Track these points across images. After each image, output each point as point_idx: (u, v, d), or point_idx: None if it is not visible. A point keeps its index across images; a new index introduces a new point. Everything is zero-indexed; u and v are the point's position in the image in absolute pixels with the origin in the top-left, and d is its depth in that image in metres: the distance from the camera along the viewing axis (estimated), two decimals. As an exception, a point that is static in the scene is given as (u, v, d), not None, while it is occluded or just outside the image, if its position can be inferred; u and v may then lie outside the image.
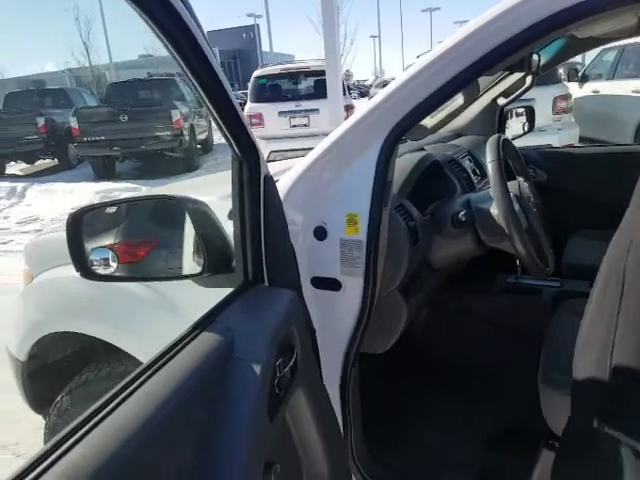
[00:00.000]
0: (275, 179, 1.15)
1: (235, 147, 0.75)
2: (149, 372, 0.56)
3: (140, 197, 1.07)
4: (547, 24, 0.78)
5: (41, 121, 9.24)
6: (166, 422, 0.52)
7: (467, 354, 1.63)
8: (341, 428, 1.07)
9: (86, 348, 1.46)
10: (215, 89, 0.66)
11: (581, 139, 5.50)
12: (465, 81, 0.89)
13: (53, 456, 0.44)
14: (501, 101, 2.01)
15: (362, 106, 1.00)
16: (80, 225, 0.94)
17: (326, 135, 1.05)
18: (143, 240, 0.99)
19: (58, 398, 1.41)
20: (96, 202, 1.01)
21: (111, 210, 1.03)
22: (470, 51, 0.86)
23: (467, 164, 1.68)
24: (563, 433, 0.84)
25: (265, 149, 6.20)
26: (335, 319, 1.03)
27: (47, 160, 10.15)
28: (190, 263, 0.89)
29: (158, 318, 1.26)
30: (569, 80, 6.07)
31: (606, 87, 6.08)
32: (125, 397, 0.52)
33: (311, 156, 1.03)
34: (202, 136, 10.25)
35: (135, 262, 0.99)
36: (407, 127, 0.94)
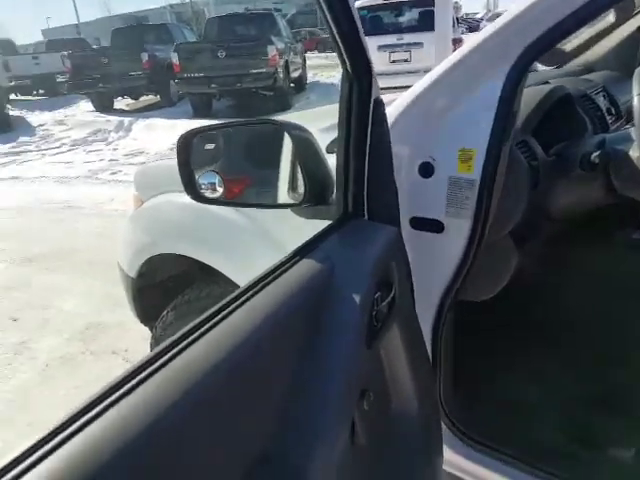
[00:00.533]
0: None
1: (348, 65, 0.69)
2: (248, 294, 0.56)
3: (246, 121, 1.09)
4: None
5: (145, 57, 9.57)
6: (263, 344, 0.52)
7: (576, 314, 1.51)
8: None
9: (189, 270, 1.53)
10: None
11: None
12: None
13: (154, 367, 0.44)
14: None
15: (490, 26, 0.87)
16: (190, 148, 0.95)
17: (428, 72, 0.94)
18: (244, 171, 1.00)
19: (164, 313, 1.51)
20: (206, 125, 1.01)
21: (218, 134, 1.05)
22: None
23: (601, 101, 1.49)
24: None
25: (360, 87, 5.98)
26: (433, 263, 0.97)
27: (150, 96, 10.61)
28: (290, 193, 0.88)
29: (255, 246, 1.28)
30: None
31: None
32: (224, 317, 0.52)
33: (422, 84, 0.93)
34: (296, 74, 10.16)
35: (239, 192, 1.00)
36: (542, 50, 0.81)
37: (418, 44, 5.85)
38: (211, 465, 0.46)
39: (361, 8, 6.39)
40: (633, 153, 1.08)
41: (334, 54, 0.74)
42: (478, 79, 0.86)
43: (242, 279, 1.27)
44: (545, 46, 0.81)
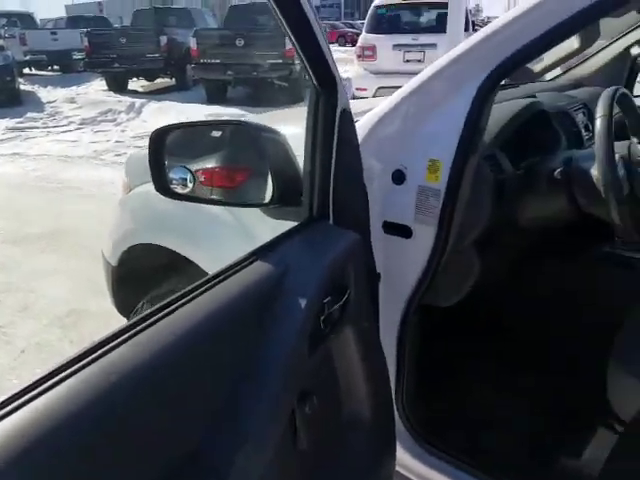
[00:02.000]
0: (357, 119, 1.05)
1: (313, 78, 0.73)
2: (193, 294, 0.57)
3: (217, 121, 1.10)
4: None
5: (163, 40, 9.60)
6: (202, 343, 0.53)
7: (539, 322, 1.54)
8: (394, 373, 1.07)
9: (169, 262, 1.52)
10: (294, 12, 0.64)
11: None
12: (584, 21, 0.80)
13: (88, 358, 0.45)
14: (635, 51, 1.85)
15: (463, 43, 0.92)
16: (163, 143, 0.97)
17: None
18: (218, 166, 1.01)
19: (139, 305, 1.50)
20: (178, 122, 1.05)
21: (193, 131, 1.05)
22: None
23: (580, 118, 1.53)
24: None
25: (374, 84, 5.99)
26: (402, 266, 1.01)
27: (165, 79, 10.63)
28: (260, 192, 0.90)
29: (238, 244, 1.27)
30: None
31: None
32: (167, 314, 0.53)
33: (397, 96, 0.98)
34: None
35: (210, 186, 1.02)
36: (510, 69, 0.86)
37: (432, 45, 5.82)
38: (134, 462, 0.46)
39: (381, 6, 6.38)
40: (593, 172, 1.10)
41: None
42: (449, 94, 0.91)
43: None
44: (513, 66, 0.86)
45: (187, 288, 0.58)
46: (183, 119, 6.84)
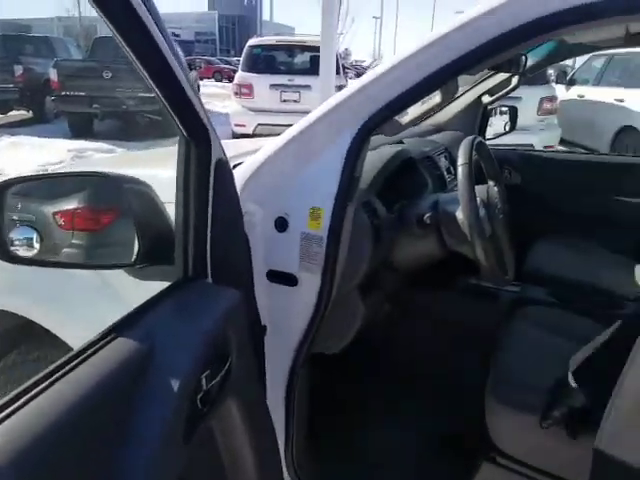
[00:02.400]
0: (241, 160, 1.05)
1: (182, 128, 0.67)
2: (45, 384, 0.49)
3: (71, 173, 1.00)
4: (536, 27, 0.75)
5: (19, 69, 8.89)
6: (58, 445, 0.46)
7: (420, 355, 1.63)
8: (283, 428, 1.06)
9: (18, 328, 1.32)
10: (151, 53, 0.58)
11: (562, 141, 5.59)
12: (445, 78, 0.86)
13: None
14: (486, 99, 2.02)
15: (335, 96, 0.95)
16: (3, 199, 0.84)
17: None
18: (80, 207, 0.88)
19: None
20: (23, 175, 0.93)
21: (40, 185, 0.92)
22: (452, 48, 0.81)
23: (442, 162, 1.68)
24: None
25: (253, 121, 6.05)
26: (288, 315, 1.01)
27: (22, 111, 9.73)
28: (124, 250, 0.80)
29: (105, 308, 1.13)
30: (557, 82, 6.05)
31: (591, 92, 6.15)
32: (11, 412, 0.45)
33: (276, 143, 0.98)
34: None
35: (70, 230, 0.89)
36: (381, 121, 0.90)
37: (307, 86, 6.03)
38: None
39: (256, 46, 6.51)
40: (458, 215, 1.20)
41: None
42: (326, 144, 0.93)
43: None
44: (384, 118, 0.90)
45: (32, 380, 0.49)
46: (41, 155, 6.22)
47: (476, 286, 1.71)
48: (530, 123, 4.87)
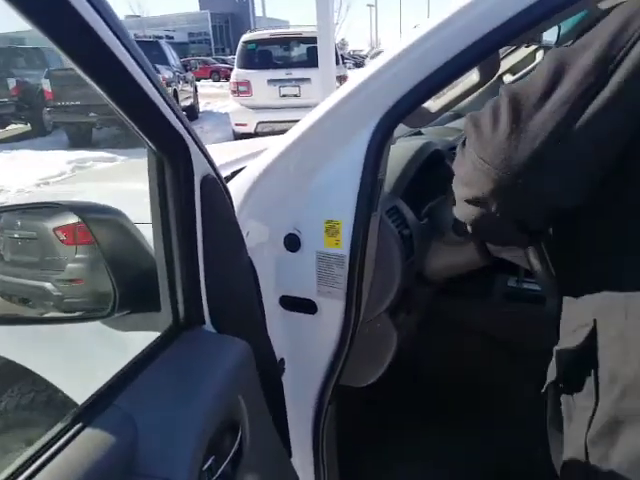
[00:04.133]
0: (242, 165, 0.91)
1: (150, 142, 0.53)
2: None
3: (21, 205, 0.85)
4: None
5: (12, 83, 8.85)
6: None
7: (463, 376, 1.46)
8: (312, 471, 0.95)
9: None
10: (90, 46, 0.42)
11: None
12: (480, 54, 0.70)
13: None
14: (507, 78, 1.83)
15: (347, 84, 0.80)
16: None
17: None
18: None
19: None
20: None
21: None
22: (486, 16, 0.66)
23: None
24: None
25: (253, 119, 5.91)
26: (309, 348, 0.89)
27: (20, 125, 9.67)
28: (98, 297, 0.69)
29: (93, 347, 1.01)
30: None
31: None
32: None
33: (280, 145, 0.83)
34: (187, 102, 9.98)
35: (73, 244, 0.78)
36: (405, 112, 0.76)
37: (306, 79, 5.88)
38: None
39: (250, 41, 6.35)
40: None
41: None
42: (341, 142, 0.78)
43: (75, 388, 1.02)
44: (410, 106, 0.75)
45: None
46: (42, 168, 6.10)
47: (516, 290, 1.53)
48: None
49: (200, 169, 0.58)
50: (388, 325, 1.04)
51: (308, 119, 0.81)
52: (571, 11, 0.71)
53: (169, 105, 0.50)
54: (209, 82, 21.26)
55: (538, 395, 1.04)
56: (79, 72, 0.43)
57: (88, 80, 0.43)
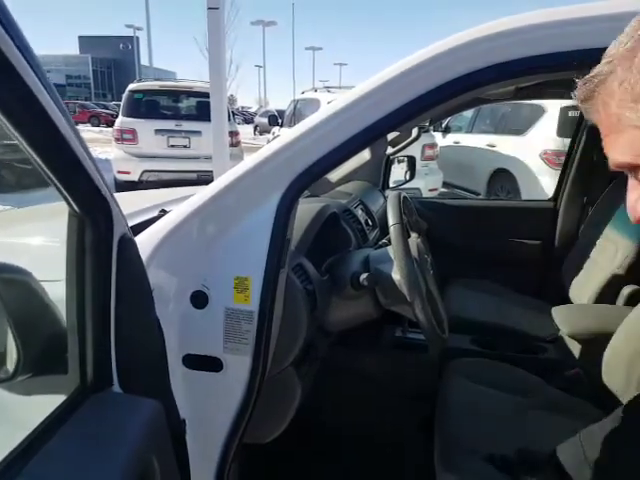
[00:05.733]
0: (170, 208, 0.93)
1: (71, 201, 0.52)
2: None
3: None
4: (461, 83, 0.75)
5: None
6: None
7: (353, 422, 1.52)
8: None
9: None
10: (27, 107, 0.42)
11: (444, 184, 6.02)
12: (382, 131, 0.81)
13: None
14: (388, 150, 2.09)
15: (261, 151, 0.86)
16: None
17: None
18: None
19: None
20: None
21: None
22: (374, 108, 0.78)
23: (360, 214, 1.66)
24: None
25: (137, 168, 5.74)
26: (212, 406, 0.88)
27: None
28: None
29: None
30: (434, 130, 6.57)
31: (466, 139, 6.75)
32: None
33: (191, 204, 0.86)
34: None
35: None
36: (313, 179, 0.83)
37: (197, 132, 5.89)
38: None
39: (137, 91, 6.19)
40: (395, 276, 1.16)
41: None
42: (252, 203, 0.83)
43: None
44: (316, 175, 0.82)
45: None
46: None
47: (401, 339, 1.66)
48: (416, 168, 5.17)
49: (119, 229, 0.59)
50: (293, 378, 1.07)
51: (223, 179, 0.86)
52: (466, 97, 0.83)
53: (95, 166, 0.51)
54: (87, 126, 20.21)
55: (422, 435, 1.12)
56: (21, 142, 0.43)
57: (26, 148, 0.43)
